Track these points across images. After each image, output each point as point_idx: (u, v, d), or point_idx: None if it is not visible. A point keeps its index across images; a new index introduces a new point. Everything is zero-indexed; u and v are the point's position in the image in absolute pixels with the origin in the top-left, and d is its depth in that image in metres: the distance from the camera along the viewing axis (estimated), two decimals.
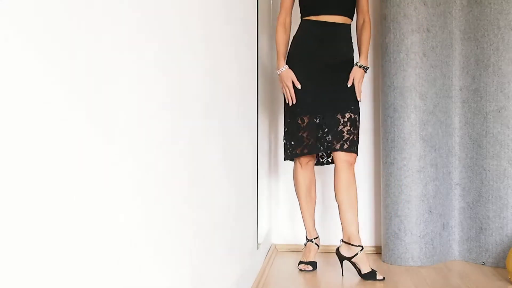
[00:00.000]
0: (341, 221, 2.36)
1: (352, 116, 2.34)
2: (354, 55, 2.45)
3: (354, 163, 2.38)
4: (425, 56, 2.57)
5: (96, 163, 0.68)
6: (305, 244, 2.57)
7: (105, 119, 0.71)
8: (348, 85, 2.37)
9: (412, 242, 2.56)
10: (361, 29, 2.47)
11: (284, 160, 2.53)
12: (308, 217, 2.54)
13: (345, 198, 2.33)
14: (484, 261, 2.57)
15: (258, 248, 2.35)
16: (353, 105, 2.36)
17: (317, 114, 2.36)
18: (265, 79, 2.81)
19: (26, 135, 0.53)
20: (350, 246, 2.31)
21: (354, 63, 2.41)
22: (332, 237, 2.82)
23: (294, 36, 2.45)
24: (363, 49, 2.44)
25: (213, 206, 1.38)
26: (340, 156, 2.34)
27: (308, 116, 2.36)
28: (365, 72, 2.42)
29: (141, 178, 0.85)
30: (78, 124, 0.64)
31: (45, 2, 0.56)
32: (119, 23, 0.77)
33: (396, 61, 2.59)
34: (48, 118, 0.57)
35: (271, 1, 3.01)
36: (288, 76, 2.38)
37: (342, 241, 2.36)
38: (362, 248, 2.31)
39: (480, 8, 2.57)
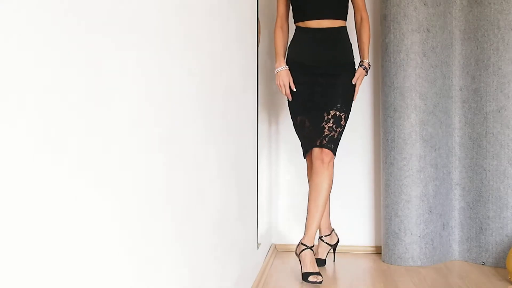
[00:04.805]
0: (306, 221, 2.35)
1: (338, 114, 2.31)
2: (350, 56, 2.44)
3: (330, 163, 2.31)
4: (425, 56, 2.57)
5: (96, 163, 0.68)
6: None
7: (105, 120, 0.71)
8: (353, 82, 2.38)
9: (412, 242, 2.56)
10: (360, 28, 2.46)
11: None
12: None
13: (312, 207, 2.30)
14: (484, 261, 2.57)
15: (258, 248, 2.35)
16: (340, 103, 2.32)
17: (306, 114, 2.37)
18: (265, 79, 2.81)
19: (21, 139, 0.53)
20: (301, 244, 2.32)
21: (359, 64, 2.42)
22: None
23: (290, 42, 2.48)
24: (364, 48, 2.44)
25: (213, 206, 1.38)
26: (315, 153, 2.32)
27: (299, 117, 2.39)
28: (366, 72, 2.43)
29: (140, 178, 0.85)
30: (76, 124, 0.64)
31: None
32: (118, 22, 0.77)
33: (396, 61, 2.59)
34: (45, 120, 0.57)
35: (271, 1, 3.00)
36: (287, 75, 2.38)
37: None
38: (308, 248, 2.29)
39: (480, 8, 2.57)
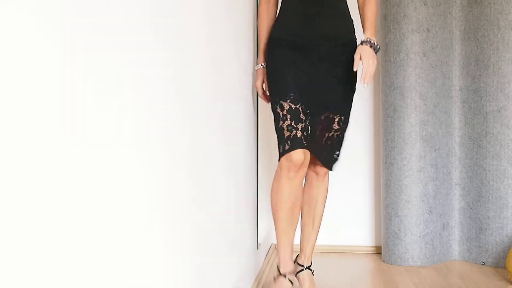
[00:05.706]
0: (301, 237, 2.13)
1: (341, 117, 1.95)
2: (352, 34, 1.99)
3: (326, 175, 2.04)
4: (425, 56, 2.57)
5: (100, 162, 0.68)
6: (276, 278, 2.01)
7: (105, 119, 0.71)
8: (354, 70, 1.85)
9: (412, 242, 2.56)
10: (363, 3, 1.98)
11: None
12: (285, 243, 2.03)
13: (306, 222, 2.08)
14: (484, 261, 2.57)
15: (258, 248, 2.34)
16: (343, 104, 1.95)
17: (297, 100, 1.87)
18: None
19: (33, 132, 0.53)
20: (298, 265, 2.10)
21: (361, 41, 1.90)
22: (327, 236, 2.81)
23: (277, 15, 2.03)
24: (368, 24, 1.94)
25: (213, 206, 1.38)
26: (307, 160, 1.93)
27: (288, 101, 1.86)
28: (376, 51, 1.88)
29: (142, 178, 0.85)
30: (82, 121, 0.64)
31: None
32: (123, 20, 0.77)
33: (396, 61, 2.59)
34: (60, 115, 0.57)
35: None
36: (260, 74, 2.01)
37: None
38: (307, 268, 2.09)
39: (480, 8, 2.57)
